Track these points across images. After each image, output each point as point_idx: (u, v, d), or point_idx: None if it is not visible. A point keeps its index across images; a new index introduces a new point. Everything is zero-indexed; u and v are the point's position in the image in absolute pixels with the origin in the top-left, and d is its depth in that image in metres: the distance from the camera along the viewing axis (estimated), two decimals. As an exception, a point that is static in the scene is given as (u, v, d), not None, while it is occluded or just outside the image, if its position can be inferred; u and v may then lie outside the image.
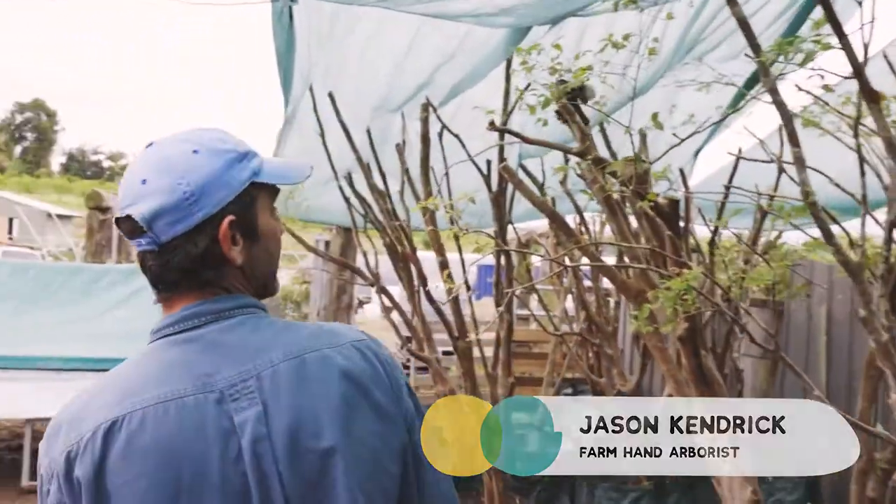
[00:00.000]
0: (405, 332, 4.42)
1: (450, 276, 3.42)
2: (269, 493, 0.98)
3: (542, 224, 7.95)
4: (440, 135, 3.48)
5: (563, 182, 4.38)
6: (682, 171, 4.68)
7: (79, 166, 65.00)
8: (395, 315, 4.36)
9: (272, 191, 1.15)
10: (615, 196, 2.16)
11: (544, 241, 8.35)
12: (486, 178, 3.19)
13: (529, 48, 1.94)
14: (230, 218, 1.06)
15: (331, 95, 3.17)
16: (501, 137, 3.02)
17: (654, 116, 2.57)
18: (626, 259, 2.76)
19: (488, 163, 3.61)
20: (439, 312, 3.46)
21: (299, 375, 1.04)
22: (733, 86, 3.43)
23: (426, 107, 3.22)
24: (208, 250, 1.06)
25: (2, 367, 3.84)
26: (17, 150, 62.84)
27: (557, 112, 2.38)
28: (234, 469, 0.97)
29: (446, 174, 3.52)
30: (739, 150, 4.45)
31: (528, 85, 2.92)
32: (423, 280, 3.43)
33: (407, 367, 8.77)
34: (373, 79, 3.07)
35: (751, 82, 3.98)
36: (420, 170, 3.31)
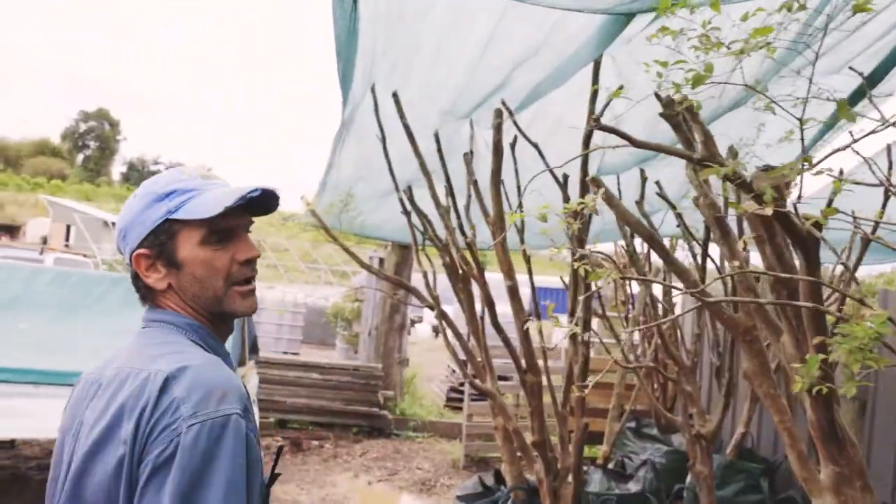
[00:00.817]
0: (461, 356, 4.09)
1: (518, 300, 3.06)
2: (61, 474, 1.22)
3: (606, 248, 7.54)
4: (512, 145, 3.13)
5: (639, 202, 3.99)
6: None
7: (139, 175, 66.50)
8: (450, 337, 4.04)
9: (204, 224, 1.26)
10: (751, 211, 1.77)
11: (609, 265, 7.91)
12: (565, 192, 2.81)
13: (679, 2, 1.53)
14: (137, 251, 1.27)
15: (395, 96, 2.84)
16: (585, 146, 2.65)
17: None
18: (738, 290, 2.35)
19: (565, 177, 3.24)
20: (507, 343, 3.09)
21: (107, 388, 1.20)
22: (834, 101, 3.02)
23: (500, 112, 2.87)
24: (136, 277, 1.31)
25: (32, 381, 3.59)
26: (79, 158, 64.57)
27: (664, 115, 2.00)
28: (65, 446, 1.24)
29: (519, 187, 3.17)
30: (841, 172, 4.02)
31: (622, 87, 2.56)
32: (491, 304, 3.06)
33: (460, 391, 8.41)
34: (444, 78, 2.73)
35: (856, 97, 3.55)
36: (490, 182, 2.96)
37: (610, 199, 2.24)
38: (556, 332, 8.89)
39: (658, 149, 1.65)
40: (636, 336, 6.15)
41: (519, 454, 4.58)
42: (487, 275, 4.70)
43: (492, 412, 4.44)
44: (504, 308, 6.51)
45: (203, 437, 1.08)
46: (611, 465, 5.42)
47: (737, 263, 2.03)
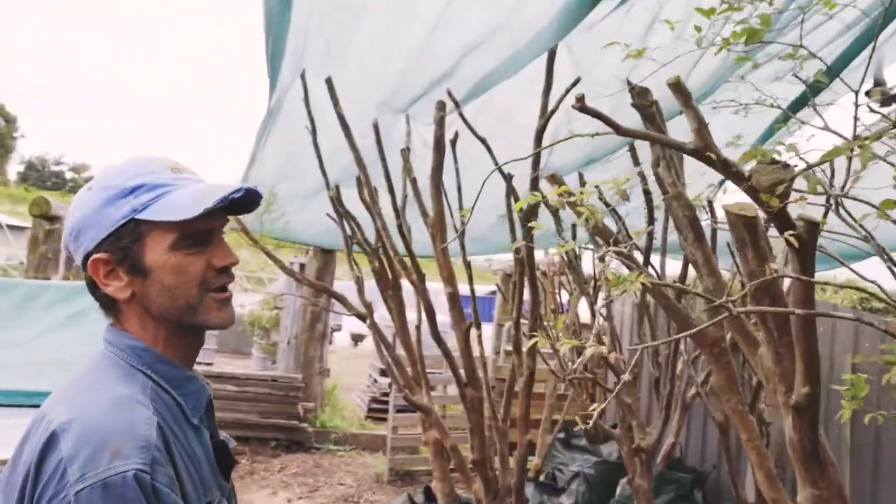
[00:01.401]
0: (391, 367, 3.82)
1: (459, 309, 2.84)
2: None
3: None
4: (453, 142, 2.90)
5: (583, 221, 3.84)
6: (710, 202, 4.19)
7: (38, 176, 62.87)
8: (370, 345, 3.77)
9: (177, 226, 1.09)
10: (736, 212, 1.60)
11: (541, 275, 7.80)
12: (513, 192, 2.61)
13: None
14: (94, 256, 1.10)
15: (329, 82, 2.57)
16: (538, 142, 2.45)
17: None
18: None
19: (510, 177, 3.04)
20: (448, 355, 2.86)
21: (31, 430, 1.06)
22: (778, 108, 2.96)
23: (443, 105, 2.64)
24: (93, 285, 1.14)
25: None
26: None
27: (636, 105, 1.82)
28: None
29: (460, 187, 2.95)
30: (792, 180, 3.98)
31: (578, 79, 2.37)
32: (430, 312, 2.82)
33: (382, 402, 8.11)
34: (385, 64, 2.47)
35: (796, 105, 3.50)
36: (430, 181, 2.72)
37: (571, 195, 2.04)
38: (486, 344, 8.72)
39: (647, 137, 1.46)
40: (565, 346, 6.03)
41: (453, 471, 4.36)
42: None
43: (422, 425, 4.20)
44: (440, 318, 6.30)
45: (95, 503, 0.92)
46: (542, 478, 5.26)
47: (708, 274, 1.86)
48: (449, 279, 2.78)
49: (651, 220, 3.81)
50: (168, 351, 1.14)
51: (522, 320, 3.31)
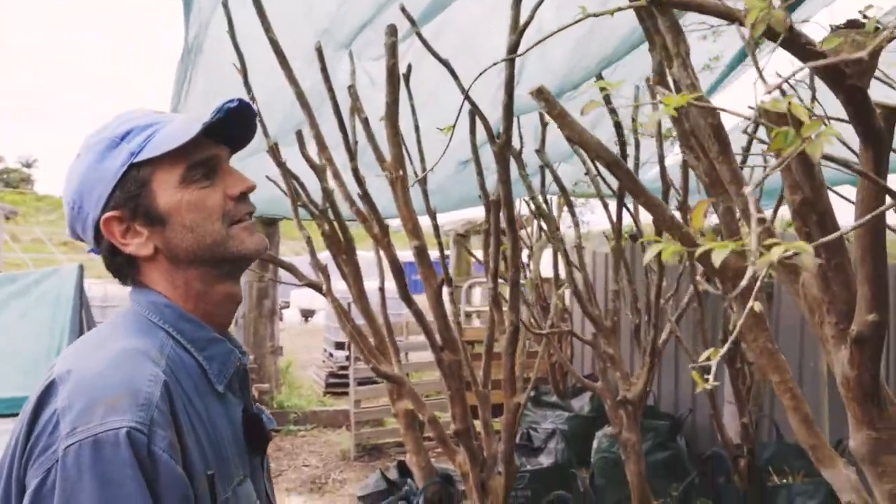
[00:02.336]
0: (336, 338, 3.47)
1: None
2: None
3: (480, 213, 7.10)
4: (406, 76, 2.54)
5: (539, 151, 3.52)
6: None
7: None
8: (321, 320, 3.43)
9: (181, 159, 1.01)
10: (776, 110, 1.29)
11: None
12: (489, 129, 2.26)
13: None
14: (105, 216, 1.02)
15: (258, 5, 2.15)
16: (511, 63, 2.11)
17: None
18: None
19: (471, 113, 2.70)
20: (420, 317, 2.53)
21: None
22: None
23: (394, 30, 2.27)
24: (113, 250, 1.04)
25: None
26: None
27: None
28: None
29: (417, 127, 2.61)
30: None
31: (552, -17, 2.03)
32: (399, 272, 2.48)
33: (340, 376, 7.77)
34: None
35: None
36: (385, 119, 2.36)
37: (563, 116, 1.71)
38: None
39: (690, 6, 1.13)
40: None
41: (427, 440, 4.07)
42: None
43: (390, 397, 3.88)
44: (389, 284, 5.96)
45: (84, 461, 0.84)
46: (517, 440, 5.04)
47: (746, 189, 1.56)
48: (414, 231, 2.44)
49: (623, 155, 3.53)
50: (198, 309, 1.06)
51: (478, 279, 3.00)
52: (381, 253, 2.56)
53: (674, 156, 4.00)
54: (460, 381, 2.61)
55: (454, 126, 1.74)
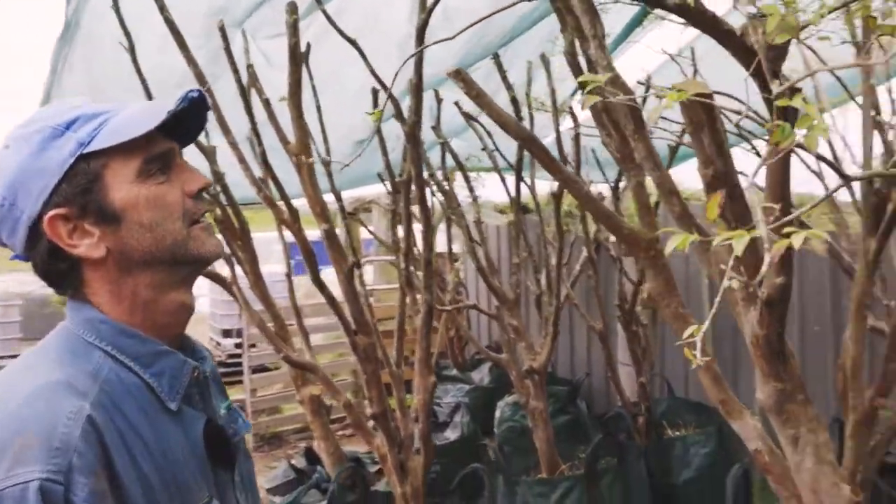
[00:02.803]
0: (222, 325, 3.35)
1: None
2: None
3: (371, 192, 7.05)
4: (306, 54, 2.47)
5: (435, 127, 3.52)
6: (570, 108, 4.04)
7: None
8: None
9: (137, 151, 0.92)
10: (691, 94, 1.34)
11: (377, 209, 7.46)
12: (397, 110, 2.23)
13: None
14: (50, 214, 0.90)
15: (151, -18, 2.02)
16: (420, 42, 2.09)
17: None
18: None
19: (375, 92, 2.66)
20: (332, 301, 2.49)
21: None
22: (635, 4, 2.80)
23: (294, 7, 2.20)
24: (54, 254, 0.92)
25: None
26: None
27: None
28: None
29: (319, 108, 2.55)
30: (649, 79, 3.88)
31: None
32: (311, 255, 2.42)
33: (230, 366, 7.53)
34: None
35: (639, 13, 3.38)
36: (288, 99, 2.29)
37: (480, 97, 1.72)
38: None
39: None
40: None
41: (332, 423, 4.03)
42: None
43: (295, 384, 3.82)
44: (273, 268, 5.81)
45: None
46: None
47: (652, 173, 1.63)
48: (323, 214, 2.39)
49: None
50: (146, 321, 0.95)
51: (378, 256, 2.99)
52: (290, 237, 2.49)
53: (566, 129, 4.09)
54: (376, 363, 2.60)
55: (381, 112, 1.70)
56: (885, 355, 2.29)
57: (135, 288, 0.95)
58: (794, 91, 1.30)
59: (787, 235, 0.75)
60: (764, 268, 0.73)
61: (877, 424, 2.25)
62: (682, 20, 1.31)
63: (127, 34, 2.14)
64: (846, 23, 1.96)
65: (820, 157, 0.94)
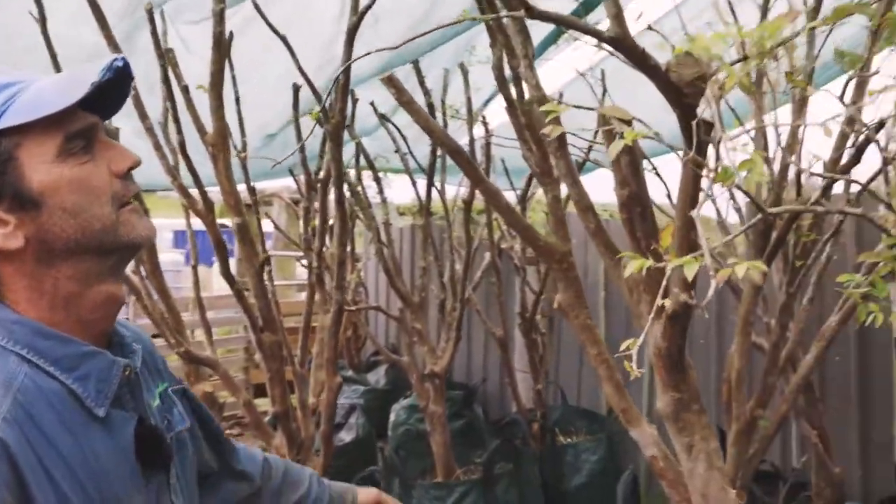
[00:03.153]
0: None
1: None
2: None
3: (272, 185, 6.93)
4: (229, 44, 2.42)
5: (349, 126, 3.51)
6: (483, 117, 4.12)
7: None
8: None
9: (57, 126, 0.83)
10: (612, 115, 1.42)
11: (278, 201, 7.35)
12: (321, 105, 2.23)
13: None
14: None
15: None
16: (350, 42, 2.10)
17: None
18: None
19: (296, 87, 2.64)
20: (240, 296, 2.45)
21: None
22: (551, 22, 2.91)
23: (219, -6, 2.16)
24: None
25: None
26: None
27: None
28: None
29: (238, 99, 2.51)
30: (561, 96, 4.01)
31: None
32: (222, 248, 2.37)
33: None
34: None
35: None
36: (210, 89, 2.24)
37: (410, 104, 1.74)
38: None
39: (564, 21, 1.21)
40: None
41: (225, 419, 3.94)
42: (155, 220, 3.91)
43: (187, 380, 3.71)
44: (166, 257, 5.61)
45: None
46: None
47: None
48: (236, 207, 2.35)
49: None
50: (69, 318, 0.87)
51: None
52: (204, 227, 2.43)
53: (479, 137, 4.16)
54: (281, 362, 2.57)
55: (308, 112, 1.70)
56: (765, 369, 2.48)
57: (56, 281, 0.86)
58: (707, 125, 1.40)
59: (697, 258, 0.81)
60: (710, 293, 0.79)
61: (755, 434, 2.43)
62: (606, 47, 1.38)
63: (39, 3, 2.03)
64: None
65: (746, 193, 1.02)
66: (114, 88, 0.89)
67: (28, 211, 0.84)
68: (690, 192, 1.49)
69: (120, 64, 0.87)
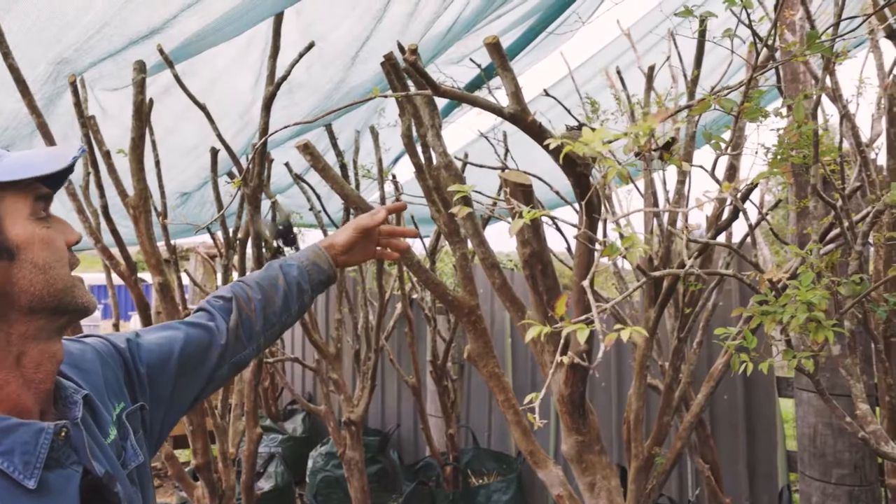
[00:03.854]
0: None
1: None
2: None
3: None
4: (149, 111, 2.51)
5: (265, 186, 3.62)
6: (394, 176, 4.29)
7: None
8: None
9: (25, 190, 0.90)
10: (512, 180, 1.60)
11: (195, 256, 7.29)
12: (239, 168, 2.34)
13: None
14: None
15: (-1, 31, 1.98)
16: (267, 111, 2.23)
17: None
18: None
19: (214, 151, 2.74)
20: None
21: None
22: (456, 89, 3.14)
23: (142, 66, 2.26)
24: None
25: None
26: None
27: (409, 69, 1.73)
28: None
29: (158, 162, 2.59)
30: (466, 155, 4.23)
31: (312, 44, 2.20)
32: (144, 307, 2.43)
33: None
34: (75, 14, 1.99)
35: (472, 87, 3.73)
36: (130, 154, 2.32)
37: (325, 170, 1.89)
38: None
39: (466, 98, 1.38)
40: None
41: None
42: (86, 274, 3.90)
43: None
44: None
45: None
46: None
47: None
48: (157, 267, 2.42)
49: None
50: (15, 376, 0.87)
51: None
52: (123, 285, 2.47)
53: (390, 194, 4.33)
54: (203, 415, 2.62)
55: (241, 180, 1.82)
56: (660, 409, 2.69)
57: (8, 337, 0.87)
58: (596, 193, 1.60)
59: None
60: (599, 356, 0.95)
61: (653, 470, 2.63)
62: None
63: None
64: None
65: (638, 268, 1.20)
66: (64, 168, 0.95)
67: (2, 260, 0.86)
68: (584, 261, 1.70)
69: (85, 150, 0.95)
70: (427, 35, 2.46)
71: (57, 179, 0.95)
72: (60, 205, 2.78)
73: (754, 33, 1.27)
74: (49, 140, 2.11)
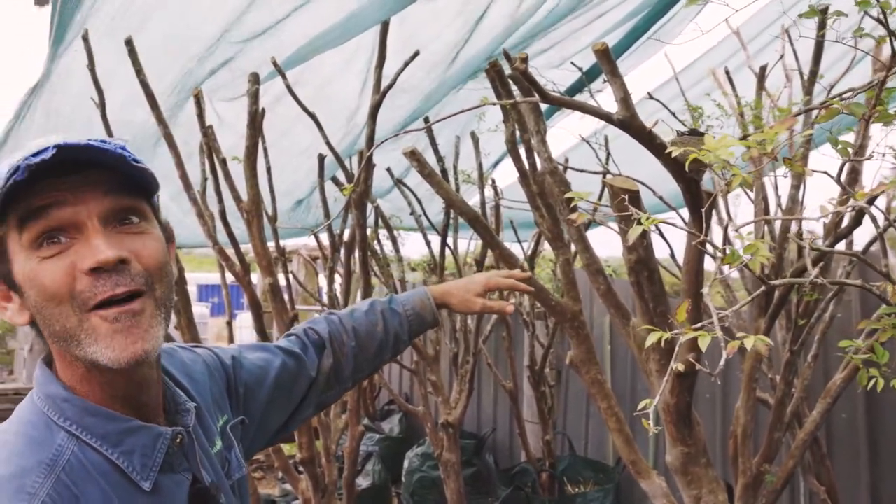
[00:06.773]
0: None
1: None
2: None
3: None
4: (261, 119, 2.62)
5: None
6: (493, 180, 4.30)
7: None
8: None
9: (14, 214, 0.80)
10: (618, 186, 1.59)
11: (297, 258, 7.54)
12: (348, 176, 2.41)
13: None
14: None
15: (130, 44, 2.11)
16: (373, 118, 2.29)
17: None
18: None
19: (321, 157, 2.83)
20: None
21: None
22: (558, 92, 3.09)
23: (256, 77, 2.36)
24: None
25: None
26: None
27: (516, 76, 1.74)
28: None
29: (269, 169, 2.70)
30: (567, 161, 4.20)
31: (417, 53, 2.25)
32: (257, 306, 2.53)
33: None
34: (199, 25, 2.11)
35: (572, 91, 3.69)
36: (244, 161, 2.43)
37: (431, 176, 1.92)
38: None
39: (573, 105, 1.38)
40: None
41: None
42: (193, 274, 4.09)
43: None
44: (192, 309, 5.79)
45: None
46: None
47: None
48: (268, 268, 2.52)
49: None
50: (105, 394, 0.85)
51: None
52: (239, 287, 2.59)
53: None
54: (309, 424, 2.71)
55: (352, 187, 1.87)
56: (770, 424, 2.58)
57: (73, 360, 0.84)
58: (710, 197, 1.56)
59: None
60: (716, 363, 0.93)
61: (762, 488, 2.52)
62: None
63: (99, 91, 2.23)
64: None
65: (759, 277, 1.16)
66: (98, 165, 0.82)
67: (20, 293, 0.83)
68: (694, 268, 1.66)
69: (55, 151, 0.78)
70: (524, 35, 2.47)
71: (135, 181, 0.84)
72: (178, 207, 2.93)
73: (888, 29, 1.20)
74: (174, 149, 2.24)
